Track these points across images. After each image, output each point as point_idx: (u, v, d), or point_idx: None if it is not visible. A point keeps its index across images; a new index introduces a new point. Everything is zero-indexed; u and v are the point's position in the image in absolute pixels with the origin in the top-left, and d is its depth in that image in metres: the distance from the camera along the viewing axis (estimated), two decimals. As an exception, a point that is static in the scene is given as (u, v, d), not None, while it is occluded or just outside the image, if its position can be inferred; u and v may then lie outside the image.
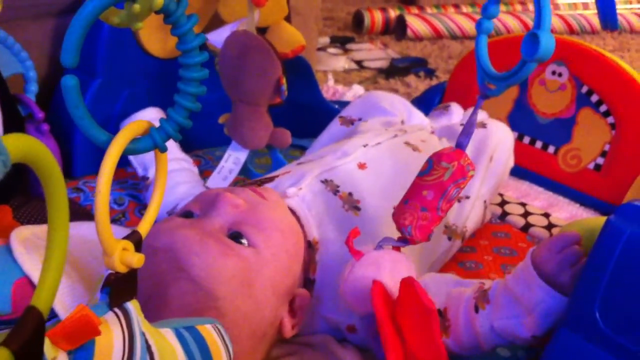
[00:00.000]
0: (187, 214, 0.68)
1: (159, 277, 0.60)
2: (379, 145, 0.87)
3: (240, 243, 0.64)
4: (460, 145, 0.65)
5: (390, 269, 0.64)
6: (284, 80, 0.89)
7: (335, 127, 1.04)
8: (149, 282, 0.58)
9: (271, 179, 0.81)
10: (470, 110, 1.07)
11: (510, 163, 1.00)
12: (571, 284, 0.62)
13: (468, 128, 0.65)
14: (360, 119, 1.03)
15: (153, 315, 0.49)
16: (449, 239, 0.86)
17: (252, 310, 0.63)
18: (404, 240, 0.65)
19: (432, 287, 0.68)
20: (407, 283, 0.60)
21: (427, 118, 1.11)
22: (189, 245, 0.61)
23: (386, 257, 0.64)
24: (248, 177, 1.01)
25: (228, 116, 0.96)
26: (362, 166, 0.83)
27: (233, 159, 0.97)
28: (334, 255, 0.72)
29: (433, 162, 0.65)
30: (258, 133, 0.94)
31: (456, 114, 1.14)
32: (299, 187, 0.77)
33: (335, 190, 0.78)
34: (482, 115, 1.04)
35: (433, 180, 0.64)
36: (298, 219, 0.73)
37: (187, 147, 1.11)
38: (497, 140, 0.96)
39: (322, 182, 0.79)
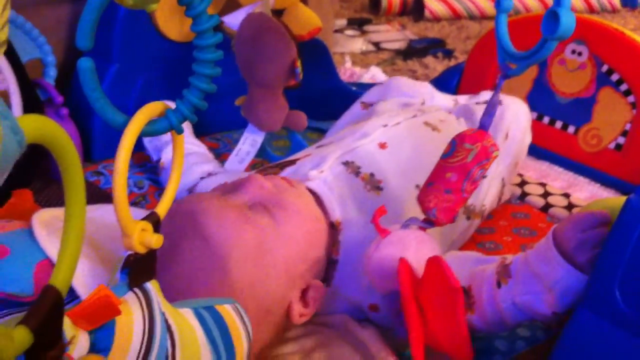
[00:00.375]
0: (215, 191, 0.71)
1: (173, 236, 0.61)
2: (398, 125, 0.87)
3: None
4: (483, 126, 0.64)
5: (415, 248, 0.64)
6: (298, 63, 0.89)
7: (356, 110, 1.04)
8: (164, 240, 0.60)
9: (292, 162, 0.82)
10: (487, 92, 1.06)
11: (527, 140, 0.99)
12: (590, 265, 0.62)
13: (490, 108, 0.64)
14: (379, 101, 1.02)
15: (162, 271, 0.49)
16: (468, 218, 0.86)
17: (259, 281, 0.63)
18: (429, 222, 0.65)
19: (455, 266, 0.68)
20: (434, 262, 0.60)
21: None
22: (209, 210, 0.63)
23: (412, 237, 0.64)
24: (267, 159, 1.01)
25: (244, 98, 0.96)
26: (382, 146, 0.83)
27: (250, 141, 0.97)
28: (356, 236, 0.72)
29: (456, 144, 0.64)
30: (273, 115, 0.94)
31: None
32: (321, 170, 0.77)
33: (357, 172, 0.78)
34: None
35: (457, 162, 0.64)
36: (321, 201, 0.74)
37: (205, 130, 1.12)
38: (513, 116, 0.95)
39: (343, 164, 0.79)
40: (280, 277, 0.65)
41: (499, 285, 0.67)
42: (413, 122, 0.89)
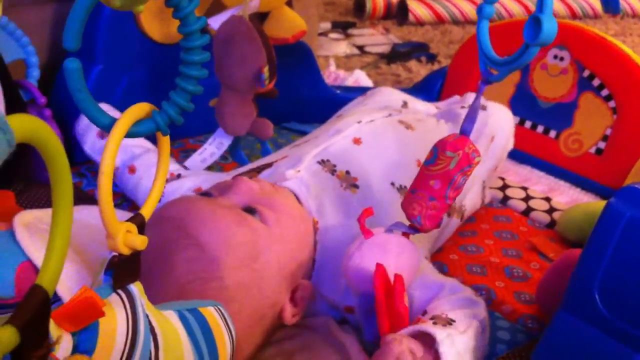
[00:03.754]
0: (204, 194, 0.71)
1: (166, 244, 0.61)
2: (372, 122, 0.88)
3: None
4: (465, 132, 0.65)
5: (396, 253, 0.64)
6: (265, 70, 0.89)
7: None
8: (154, 249, 0.59)
9: (269, 165, 0.82)
10: (473, 95, 1.07)
11: (509, 146, 1.00)
12: None
13: (472, 114, 0.65)
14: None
15: (158, 282, 0.49)
16: (448, 215, 0.87)
17: (255, 286, 0.63)
18: (414, 229, 0.65)
19: (419, 293, 0.70)
20: (396, 281, 0.62)
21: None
22: (201, 214, 0.63)
23: (394, 242, 0.65)
24: (241, 163, 1.01)
25: (217, 100, 0.96)
26: (357, 141, 0.83)
27: (217, 144, 0.97)
28: (333, 236, 0.73)
29: (438, 151, 0.65)
30: (238, 120, 0.93)
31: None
32: (297, 170, 0.78)
33: (333, 170, 0.78)
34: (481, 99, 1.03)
35: (439, 169, 0.64)
36: (298, 200, 0.74)
37: (181, 133, 1.12)
38: (497, 121, 0.96)
39: (318, 163, 0.79)
40: (274, 279, 0.65)
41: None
42: (388, 120, 0.90)
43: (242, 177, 0.71)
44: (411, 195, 0.66)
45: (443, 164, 0.64)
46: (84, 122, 0.96)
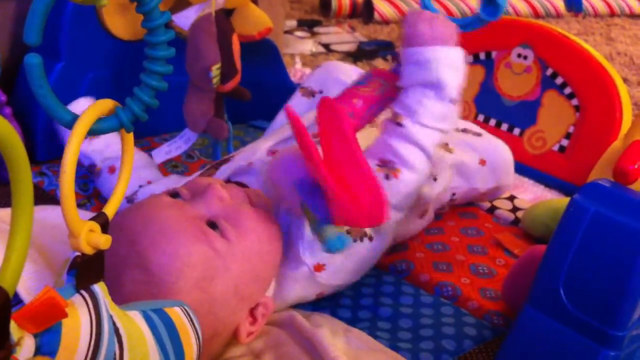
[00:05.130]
0: (174, 194, 0.68)
1: (117, 258, 0.59)
2: None
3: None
4: (396, 71, 0.74)
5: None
6: (214, 68, 0.88)
7: (297, 99, 1.04)
8: (108, 257, 0.58)
9: (228, 160, 0.84)
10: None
11: (507, 181, 1.01)
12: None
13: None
14: (321, 92, 1.03)
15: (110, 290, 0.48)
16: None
17: (206, 308, 0.61)
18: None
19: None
20: (324, 104, 0.62)
21: None
22: (158, 230, 0.61)
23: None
24: (215, 159, 1.00)
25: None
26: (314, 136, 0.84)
27: (185, 139, 0.96)
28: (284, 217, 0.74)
29: (372, 76, 0.73)
30: (194, 116, 0.93)
31: None
32: (249, 162, 0.81)
33: None
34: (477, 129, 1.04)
35: (368, 91, 0.71)
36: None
37: (147, 131, 1.11)
38: (488, 149, 0.98)
39: (271, 152, 0.82)
40: (229, 301, 0.63)
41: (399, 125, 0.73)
42: None
43: (216, 184, 0.69)
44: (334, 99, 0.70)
45: (372, 87, 0.71)
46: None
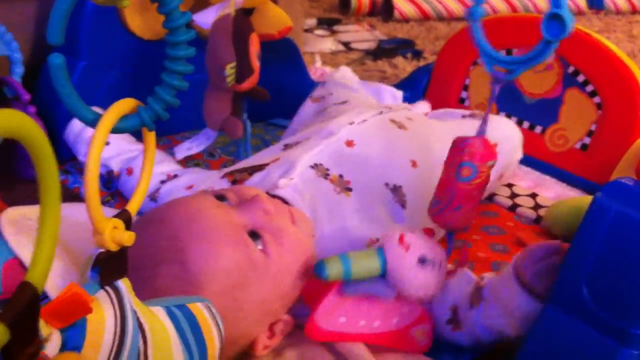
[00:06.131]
0: (221, 197, 0.67)
1: (156, 250, 0.59)
2: (364, 123, 0.88)
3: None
4: (482, 133, 0.66)
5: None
6: (228, 67, 0.88)
7: (307, 107, 1.05)
8: (146, 247, 0.58)
9: (261, 167, 0.81)
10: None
11: (518, 155, 1.02)
12: (546, 292, 0.62)
13: (486, 116, 0.66)
14: (331, 93, 1.04)
15: (140, 282, 0.48)
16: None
17: (231, 314, 0.60)
18: None
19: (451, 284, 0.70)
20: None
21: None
22: (201, 229, 0.61)
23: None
24: (237, 157, 1.01)
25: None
26: (349, 144, 0.83)
27: (206, 136, 0.97)
28: (326, 239, 0.72)
29: (477, 166, 0.65)
30: (211, 114, 0.93)
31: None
32: (290, 177, 0.77)
33: (326, 175, 0.78)
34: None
35: (481, 181, 0.66)
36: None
37: (168, 129, 1.13)
38: (497, 129, 0.95)
39: (311, 167, 0.79)
40: (253, 314, 0.63)
41: (471, 306, 0.68)
42: (379, 119, 0.90)
43: (263, 195, 0.68)
44: (458, 213, 0.67)
45: (484, 175, 0.66)
46: (73, 131, 0.97)
